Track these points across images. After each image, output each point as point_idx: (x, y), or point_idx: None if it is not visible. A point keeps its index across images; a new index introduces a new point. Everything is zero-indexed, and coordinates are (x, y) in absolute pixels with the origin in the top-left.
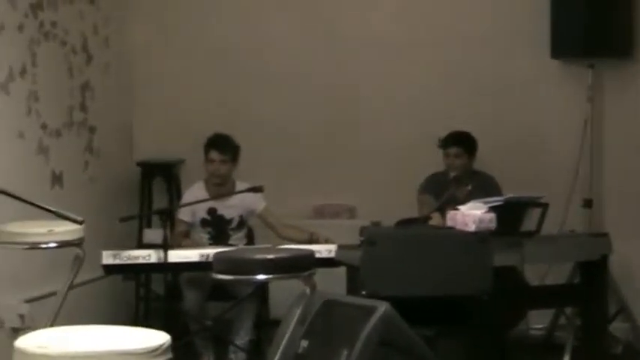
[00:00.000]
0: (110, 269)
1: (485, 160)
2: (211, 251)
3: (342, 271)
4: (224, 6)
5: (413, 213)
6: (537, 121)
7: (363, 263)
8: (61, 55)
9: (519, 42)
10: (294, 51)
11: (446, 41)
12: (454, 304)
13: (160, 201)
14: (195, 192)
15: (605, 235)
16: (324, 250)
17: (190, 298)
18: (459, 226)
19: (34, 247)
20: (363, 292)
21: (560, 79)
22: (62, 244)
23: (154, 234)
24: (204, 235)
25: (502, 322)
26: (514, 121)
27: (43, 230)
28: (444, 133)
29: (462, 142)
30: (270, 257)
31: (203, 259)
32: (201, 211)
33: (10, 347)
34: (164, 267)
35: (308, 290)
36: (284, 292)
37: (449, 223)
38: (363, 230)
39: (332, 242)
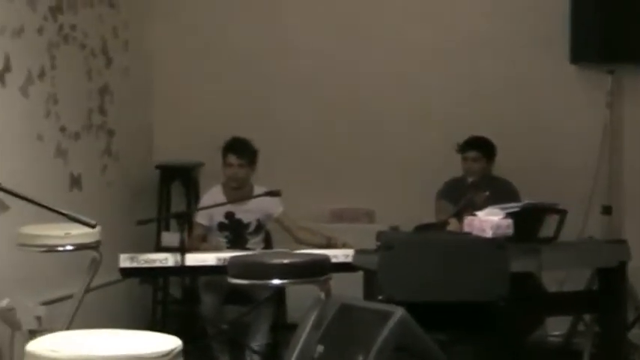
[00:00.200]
0: (127, 272)
1: (503, 166)
2: (228, 255)
3: (360, 275)
4: (243, 8)
5: (432, 218)
6: (556, 127)
7: (380, 268)
8: (81, 58)
9: (539, 47)
10: (315, 54)
11: (467, 47)
12: (470, 309)
13: (178, 204)
14: (213, 195)
15: (623, 241)
16: (341, 255)
17: (207, 302)
18: (476, 232)
19: (51, 249)
20: (380, 297)
21: (580, 85)
22: (79, 247)
23: (171, 237)
24: (221, 240)
25: (519, 328)
26: (533, 126)
27: (60, 233)
28: (463, 139)
29: (480, 146)
30: (285, 262)
31: (220, 263)
32: (218, 215)
33: None
34: (181, 270)
35: (323, 295)
36: (302, 296)
37: (466, 228)
38: (379, 235)
39: (350, 247)
